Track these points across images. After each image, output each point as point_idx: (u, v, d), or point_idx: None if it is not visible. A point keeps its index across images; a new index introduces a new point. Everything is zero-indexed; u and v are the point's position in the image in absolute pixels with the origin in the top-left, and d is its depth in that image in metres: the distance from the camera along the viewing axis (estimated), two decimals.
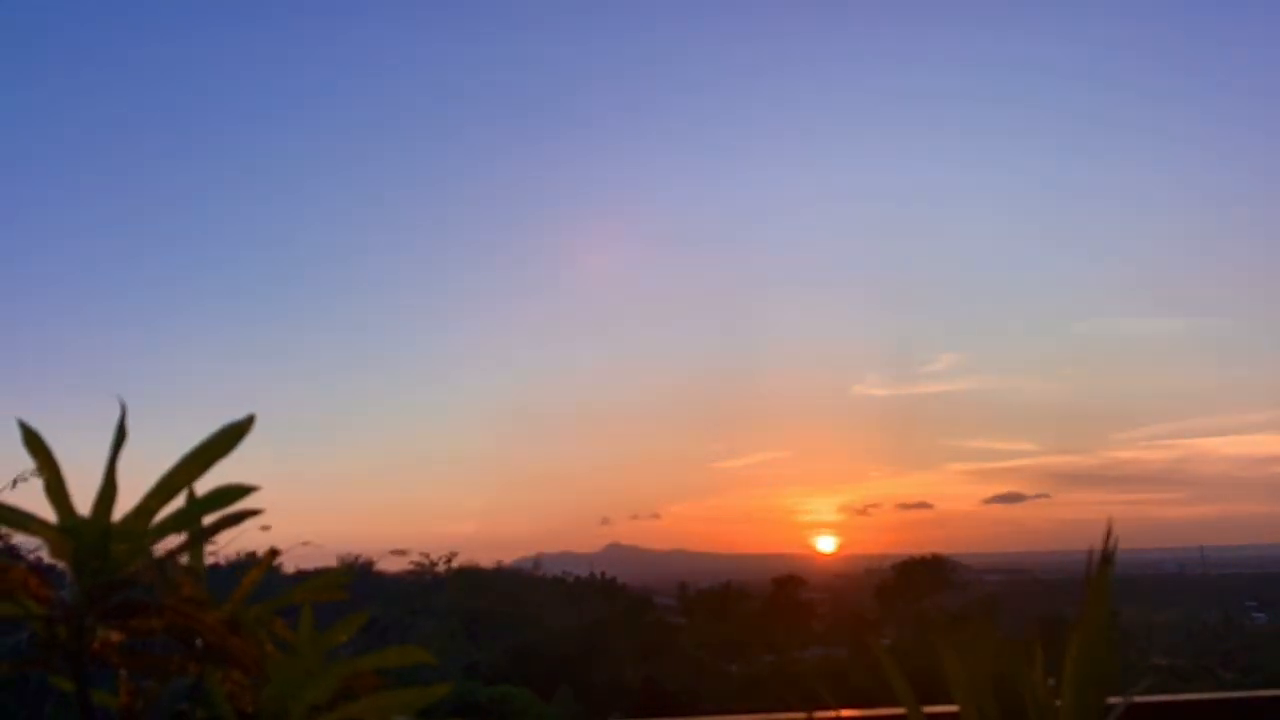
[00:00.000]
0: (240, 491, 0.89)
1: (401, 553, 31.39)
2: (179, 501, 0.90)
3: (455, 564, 32.16)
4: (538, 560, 44.38)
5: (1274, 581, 52.46)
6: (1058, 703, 1.02)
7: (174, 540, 0.92)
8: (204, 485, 0.97)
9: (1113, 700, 1.02)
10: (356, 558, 29.03)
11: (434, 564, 31.76)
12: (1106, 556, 0.99)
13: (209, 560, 1.09)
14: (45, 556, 0.96)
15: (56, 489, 0.88)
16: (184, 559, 0.99)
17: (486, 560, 35.36)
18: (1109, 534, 1.00)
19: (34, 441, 0.88)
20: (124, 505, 0.90)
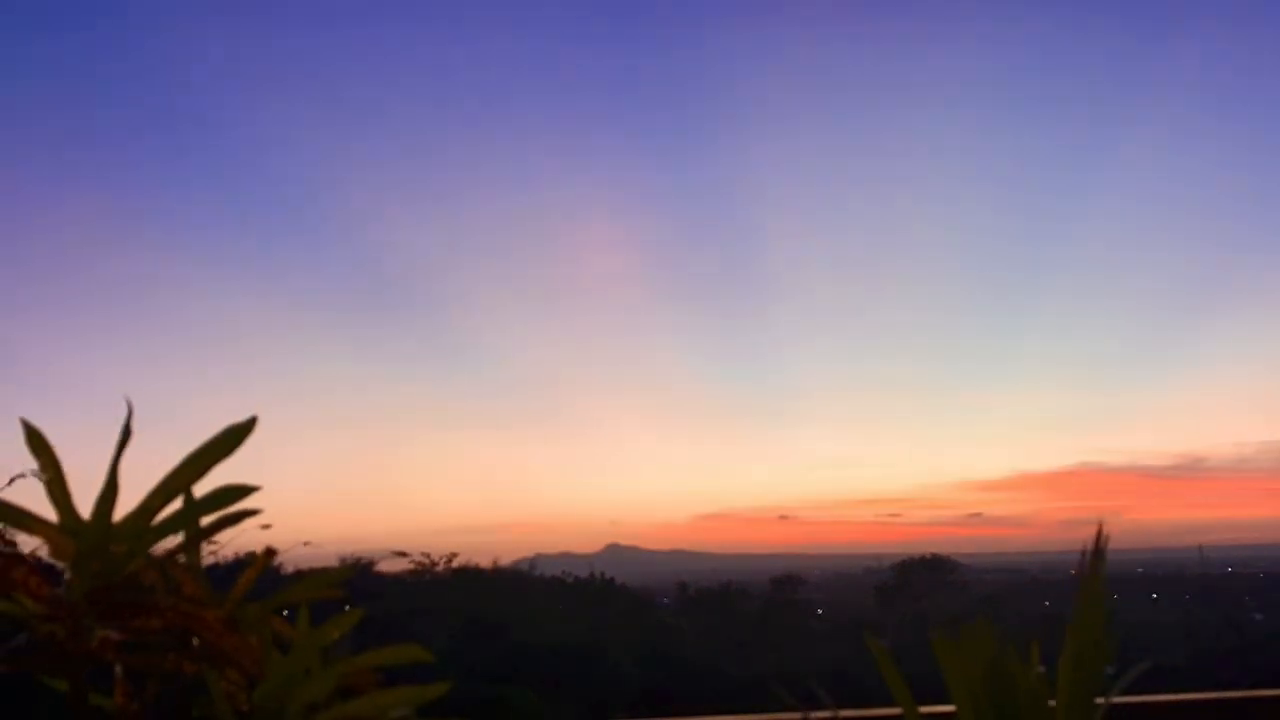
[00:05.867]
0: (240, 491, 0.89)
1: (402, 554, 31.38)
2: (180, 502, 0.91)
3: (455, 564, 32.16)
4: (535, 561, 44.36)
5: (1274, 582, 52.43)
6: (1051, 702, 1.03)
7: (174, 540, 0.92)
8: (210, 485, 0.97)
9: (1099, 700, 1.03)
10: (358, 559, 29.01)
11: (434, 564, 31.77)
12: (1098, 553, 1.00)
13: (209, 560, 1.09)
14: (46, 556, 0.97)
15: (58, 489, 0.88)
16: (183, 558, 0.99)
17: (486, 561, 35.36)
18: (1100, 532, 1.01)
19: (37, 441, 0.88)
20: (126, 505, 0.91)
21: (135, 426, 0.89)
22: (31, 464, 0.93)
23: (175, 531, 0.91)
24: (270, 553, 1.02)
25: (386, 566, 31.55)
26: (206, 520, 0.92)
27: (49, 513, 0.90)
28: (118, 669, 0.97)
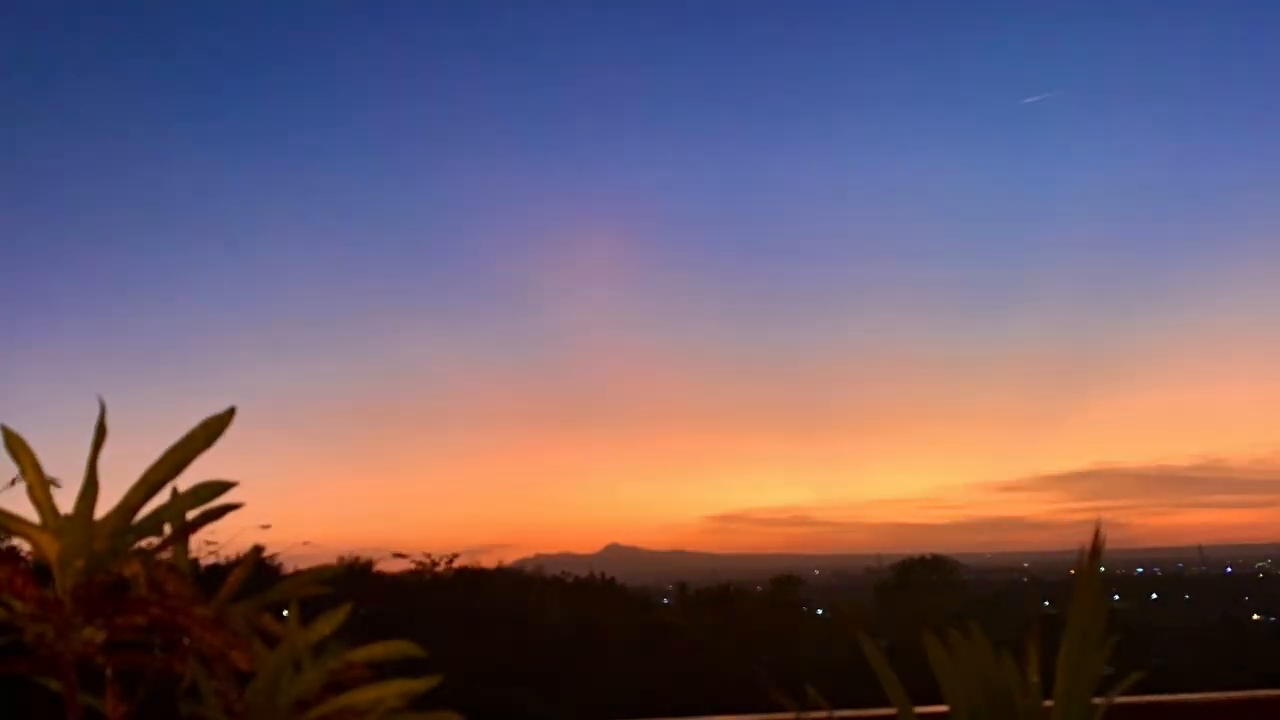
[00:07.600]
0: (219, 487, 0.88)
1: (402, 555, 31.42)
2: (163, 498, 0.90)
3: (455, 564, 32.16)
4: (535, 561, 44.37)
5: (1274, 582, 52.51)
6: (1048, 703, 1.02)
7: (158, 537, 0.91)
8: (196, 482, 0.97)
9: (1097, 700, 1.02)
10: (356, 559, 29.02)
11: (434, 564, 31.76)
12: (1095, 553, 0.99)
13: (209, 560, 1.09)
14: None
15: (38, 490, 0.88)
16: (168, 554, 0.99)
17: (487, 560, 35.35)
18: (1098, 532, 1.00)
19: (15, 444, 0.88)
20: (108, 503, 0.90)
21: (119, 421, 0.88)
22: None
23: (157, 527, 0.90)
24: (258, 550, 1.01)
25: (386, 567, 31.56)
26: (188, 516, 0.91)
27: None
28: (109, 670, 0.97)
